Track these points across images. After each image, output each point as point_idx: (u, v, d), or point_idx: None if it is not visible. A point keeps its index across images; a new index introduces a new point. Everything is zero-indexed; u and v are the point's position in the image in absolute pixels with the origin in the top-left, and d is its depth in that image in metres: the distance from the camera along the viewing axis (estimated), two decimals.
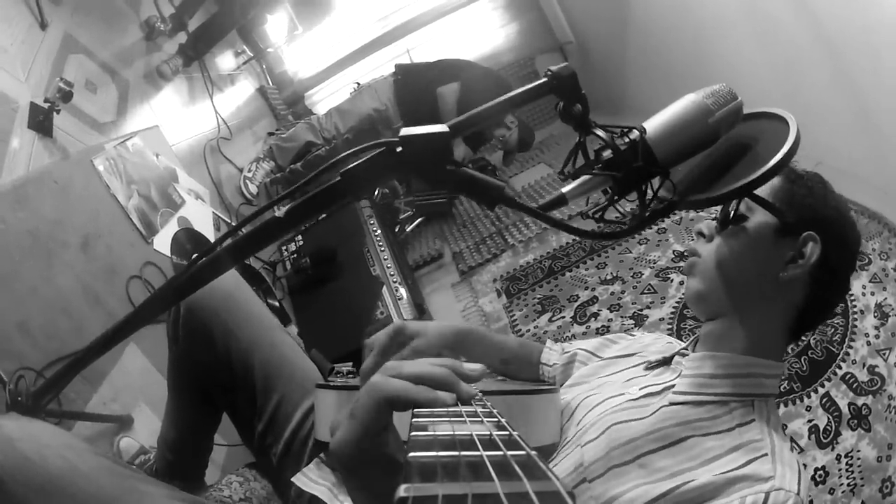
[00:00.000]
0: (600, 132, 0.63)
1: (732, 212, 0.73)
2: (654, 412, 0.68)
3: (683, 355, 0.77)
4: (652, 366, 0.81)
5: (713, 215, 0.79)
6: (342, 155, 0.65)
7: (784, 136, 0.64)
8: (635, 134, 0.62)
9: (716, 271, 0.73)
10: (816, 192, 0.72)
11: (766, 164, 0.60)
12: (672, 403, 0.68)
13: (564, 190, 0.64)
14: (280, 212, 0.66)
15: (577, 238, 2.41)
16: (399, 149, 0.62)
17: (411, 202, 2.93)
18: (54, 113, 1.54)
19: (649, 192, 0.64)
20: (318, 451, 0.93)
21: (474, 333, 0.94)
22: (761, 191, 0.71)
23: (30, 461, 0.62)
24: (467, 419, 0.34)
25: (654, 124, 0.63)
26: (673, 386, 0.71)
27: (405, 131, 0.62)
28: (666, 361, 0.80)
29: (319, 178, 0.68)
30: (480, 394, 0.43)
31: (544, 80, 0.64)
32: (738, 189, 0.60)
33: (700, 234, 0.78)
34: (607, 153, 0.63)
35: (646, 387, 0.74)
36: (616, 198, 0.63)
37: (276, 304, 2.31)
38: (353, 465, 0.44)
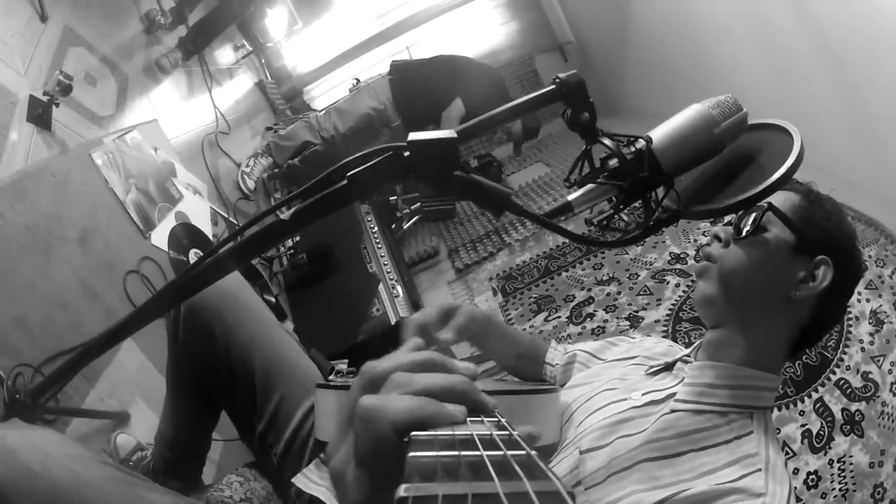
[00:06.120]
0: (607, 141, 0.63)
1: (752, 222, 0.73)
2: (656, 421, 0.68)
3: (686, 362, 0.78)
4: (654, 371, 0.81)
5: (728, 219, 0.79)
6: (350, 158, 0.65)
7: (788, 148, 0.64)
8: (641, 143, 0.63)
9: (728, 278, 0.74)
10: (833, 216, 0.73)
11: (769, 176, 0.61)
12: (673, 411, 0.69)
13: (570, 198, 0.64)
14: (286, 214, 0.66)
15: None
16: (406, 153, 0.63)
17: (416, 209, 2.94)
18: (53, 106, 1.52)
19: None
20: (319, 451, 0.93)
21: (497, 324, 0.96)
22: (782, 206, 0.72)
23: (33, 472, 0.60)
24: (468, 419, 0.35)
25: (659, 134, 0.64)
26: (675, 393, 0.72)
27: (413, 136, 0.62)
28: (668, 367, 0.80)
29: (324, 180, 0.68)
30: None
31: (552, 87, 0.64)
32: (741, 202, 0.61)
33: (717, 238, 0.78)
34: (613, 162, 0.63)
35: (648, 392, 0.74)
36: (621, 206, 0.64)
37: (273, 299, 2.31)
38: None
